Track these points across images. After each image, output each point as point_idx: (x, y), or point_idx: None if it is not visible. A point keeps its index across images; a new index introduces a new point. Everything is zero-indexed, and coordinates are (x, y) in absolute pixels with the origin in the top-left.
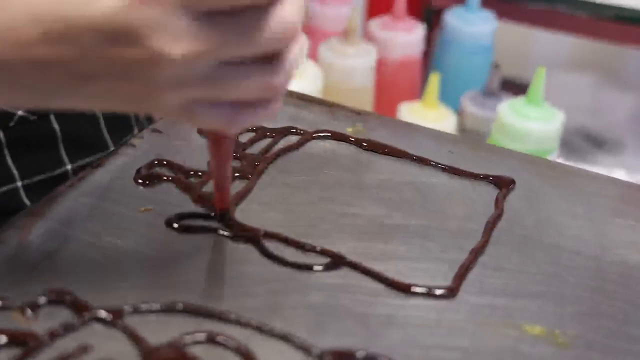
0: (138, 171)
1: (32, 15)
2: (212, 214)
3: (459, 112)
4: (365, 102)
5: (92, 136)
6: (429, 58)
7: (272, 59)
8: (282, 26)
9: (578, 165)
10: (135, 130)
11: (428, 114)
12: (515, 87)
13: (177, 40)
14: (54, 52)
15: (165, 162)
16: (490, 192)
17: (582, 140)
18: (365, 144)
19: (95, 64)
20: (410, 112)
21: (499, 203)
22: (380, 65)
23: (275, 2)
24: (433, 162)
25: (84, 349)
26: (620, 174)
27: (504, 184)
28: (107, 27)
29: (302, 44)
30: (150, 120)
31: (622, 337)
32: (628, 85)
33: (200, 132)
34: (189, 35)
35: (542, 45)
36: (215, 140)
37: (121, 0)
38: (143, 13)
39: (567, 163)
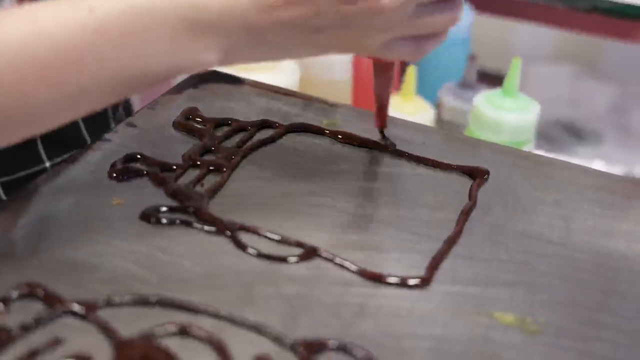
0: (112, 166)
1: None
2: (187, 207)
3: (437, 104)
4: (344, 95)
5: (70, 134)
6: None
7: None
8: None
9: (556, 156)
10: (113, 126)
11: (406, 106)
12: (494, 79)
13: None
14: (295, 12)
15: (139, 156)
16: (463, 183)
17: (561, 131)
18: (340, 136)
19: (326, 18)
20: None
21: (472, 193)
22: (359, 58)
23: None
24: (407, 153)
25: (56, 342)
26: (599, 165)
27: (477, 175)
28: None
29: None
30: (128, 113)
31: (592, 324)
32: (606, 76)
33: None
34: None
35: (520, 37)
36: (382, 67)
37: None
38: None
39: (546, 155)
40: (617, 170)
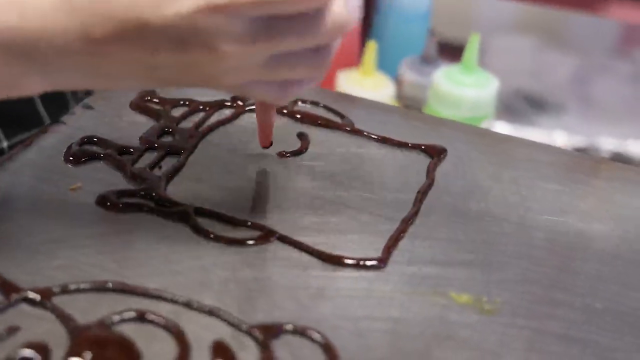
0: (69, 149)
1: (108, 15)
2: (144, 191)
3: (397, 79)
4: None
5: (27, 112)
6: (368, 26)
7: (320, 49)
8: (332, 24)
9: (518, 128)
10: (72, 105)
11: (366, 81)
12: (456, 51)
13: (237, 41)
14: (126, 48)
15: (96, 139)
16: (421, 161)
17: (522, 102)
18: (298, 116)
19: (164, 60)
20: (348, 80)
21: (430, 172)
22: None
23: (327, 5)
24: (366, 132)
25: (13, 330)
26: (560, 136)
27: (435, 153)
28: (176, 29)
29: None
30: (88, 93)
31: (547, 302)
32: (568, 47)
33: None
34: (247, 36)
35: (482, 9)
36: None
37: (191, 5)
38: (209, 18)
39: (508, 125)
40: (578, 140)
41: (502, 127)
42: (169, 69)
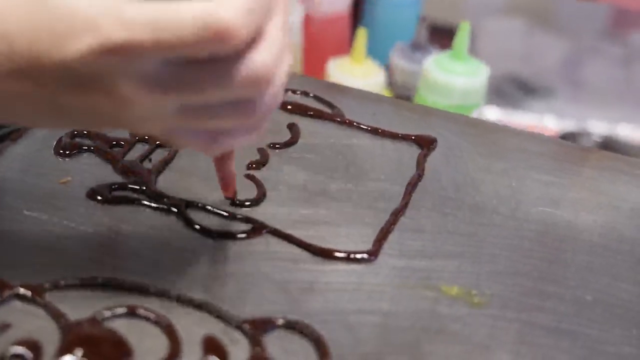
0: (59, 142)
1: (8, 52)
2: (134, 184)
3: (388, 66)
4: (294, 59)
5: None
6: (358, 13)
7: (244, 102)
8: (252, 74)
9: (508, 112)
10: None
11: (356, 69)
12: (446, 36)
13: (143, 87)
14: (24, 87)
15: (86, 132)
16: (412, 152)
17: (513, 86)
18: (289, 107)
19: (64, 101)
20: (338, 68)
21: (420, 163)
22: (308, 22)
23: (245, 51)
24: (356, 123)
25: (4, 327)
26: (551, 120)
27: (425, 144)
28: (75, 71)
29: (280, 85)
30: None
31: (537, 294)
32: (559, 30)
33: None
34: (155, 82)
35: None
36: None
37: (90, 46)
38: (110, 60)
39: (499, 110)
40: (569, 124)
41: (492, 112)
42: (76, 111)
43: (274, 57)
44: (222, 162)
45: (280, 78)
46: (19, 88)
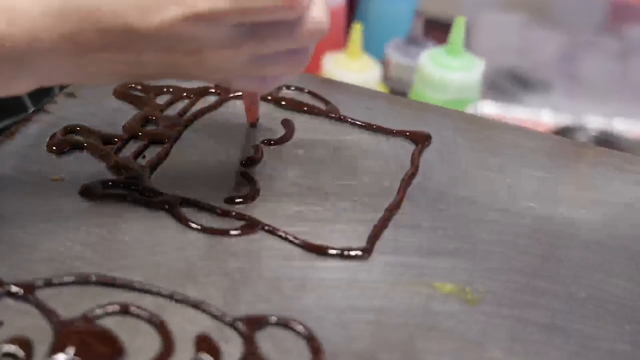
0: (52, 138)
1: (95, 22)
2: (128, 181)
3: (384, 60)
4: None
5: (9, 98)
6: (354, 7)
7: (301, 50)
8: (311, 30)
9: (505, 107)
10: (56, 91)
11: (352, 64)
12: (444, 30)
13: (221, 47)
14: (113, 52)
15: (79, 128)
16: (406, 148)
17: (509, 81)
18: (283, 103)
19: (147, 59)
20: (334, 62)
21: (414, 159)
22: None
23: (305, 11)
24: (350, 119)
25: None
26: (547, 114)
27: (420, 140)
28: (161, 37)
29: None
30: None
31: (530, 291)
32: (555, 24)
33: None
34: (229, 42)
35: None
36: None
37: (175, 14)
38: (193, 27)
39: (495, 104)
40: (565, 118)
41: (488, 106)
42: (154, 67)
43: (324, 12)
44: (252, 96)
45: (327, 31)
46: (105, 56)
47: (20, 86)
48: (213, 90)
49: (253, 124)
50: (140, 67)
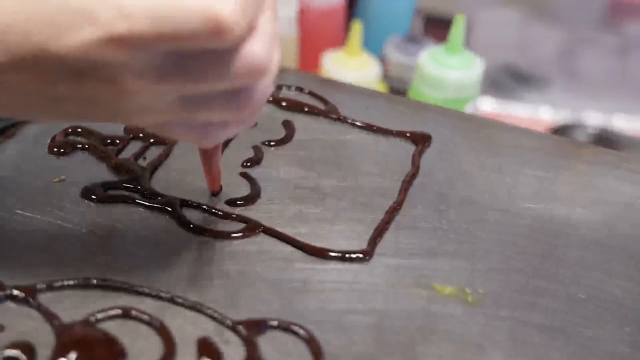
0: (53, 140)
1: (4, 44)
2: (129, 183)
3: (383, 58)
4: (289, 52)
5: None
6: (353, 5)
7: (239, 92)
8: (249, 65)
9: (504, 103)
10: None
11: (351, 62)
12: (443, 28)
13: (142, 77)
14: (23, 78)
15: (80, 129)
16: (406, 149)
17: (508, 77)
18: (284, 103)
19: (63, 91)
20: (333, 60)
21: (415, 160)
22: (303, 15)
23: (241, 43)
24: (350, 119)
25: None
26: (546, 111)
27: (420, 140)
28: (75, 62)
29: (272, 76)
30: None
31: (530, 292)
32: (554, 20)
33: None
34: (152, 72)
35: None
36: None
37: (90, 37)
38: (111, 52)
39: (494, 101)
40: (564, 115)
41: (487, 103)
42: (71, 102)
43: (267, 48)
44: (209, 156)
45: (273, 68)
46: (15, 80)
47: None
48: None
49: (214, 193)
50: (57, 101)
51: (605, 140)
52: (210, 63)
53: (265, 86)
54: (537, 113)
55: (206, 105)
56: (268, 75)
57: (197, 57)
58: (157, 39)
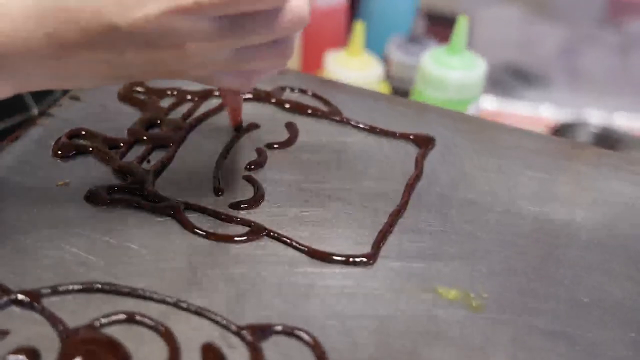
0: (56, 143)
1: (75, 22)
2: (133, 186)
3: (385, 58)
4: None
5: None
6: (355, 5)
7: (282, 41)
8: (293, 19)
9: (505, 102)
10: (57, 91)
11: (353, 62)
12: (446, 26)
13: (202, 40)
14: (95, 51)
15: (84, 132)
16: (409, 151)
17: (509, 75)
18: (287, 105)
19: (130, 58)
20: (335, 60)
21: (418, 163)
22: None
23: (286, 2)
24: (354, 122)
25: (2, 334)
26: (547, 109)
27: (423, 143)
28: (143, 33)
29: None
30: None
31: (533, 295)
32: (556, 18)
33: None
34: (212, 35)
35: None
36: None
37: (157, 8)
38: (176, 20)
39: (495, 99)
40: (565, 114)
41: (488, 101)
42: (136, 66)
43: (305, 2)
44: (233, 96)
45: (308, 20)
46: (89, 57)
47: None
48: (217, 93)
49: (238, 127)
50: (123, 67)
51: (607, 138)
52: (262, 20)
53: (298, 35)
54: (538, 111)
55: (254, 56)
56: (305, 26)
57: (250, 17)
58: (219, 5)
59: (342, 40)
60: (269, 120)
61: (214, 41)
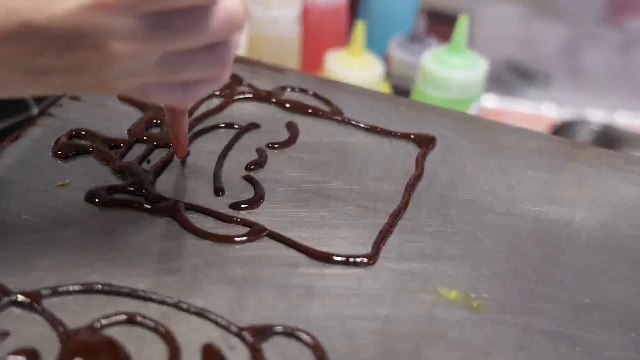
0: (57, 143)
1: None
2: (133, 187)
3: (386, 58)
4: (292, 52)
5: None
6: (356, 4)
7: (217, 47)
8: (226, 19)
9: (506, 100)
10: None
11: (354, 61)
12: (447, 25)
13: (127, 40)
14: (8, 51)
15: (84, 133)
16: (410, 151)
17: (511, 74)
18: (288, 105)
19: (49, 62)
20: (336, 60)
21: (419, 163)
22: (307, 14)
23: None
24: (354, 122)
25: (3, 335)
26: (549, 108)
27: (424, 143)
28: (61, 30)
29: (242, 31)
30: None
31: (535, 297)
32: (557, 16)
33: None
34: (138, 34)
35: None
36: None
37: (76, 4)
38: (96, 16)
39: (497, 98)
40: (567, 112)
41: (490, 100)
42: (57, 73)
43: (239, 2)
44: (177, 119)
45: (244, 22)
46: (2, 55)
47: None
48: (217, 93)
49: (183, 160)
50: (42, 75)
51: (608, 137)
52: (191, 19)
53: (237, 41)
54: (539, 110)
55: (187, 63)
56: (241, 29)
57: (179, 15)
58: (143, 1)
59: (343, 40)
60: (269, 120)
61: (140, 42)
